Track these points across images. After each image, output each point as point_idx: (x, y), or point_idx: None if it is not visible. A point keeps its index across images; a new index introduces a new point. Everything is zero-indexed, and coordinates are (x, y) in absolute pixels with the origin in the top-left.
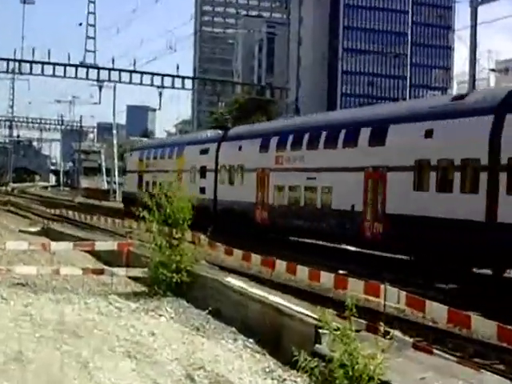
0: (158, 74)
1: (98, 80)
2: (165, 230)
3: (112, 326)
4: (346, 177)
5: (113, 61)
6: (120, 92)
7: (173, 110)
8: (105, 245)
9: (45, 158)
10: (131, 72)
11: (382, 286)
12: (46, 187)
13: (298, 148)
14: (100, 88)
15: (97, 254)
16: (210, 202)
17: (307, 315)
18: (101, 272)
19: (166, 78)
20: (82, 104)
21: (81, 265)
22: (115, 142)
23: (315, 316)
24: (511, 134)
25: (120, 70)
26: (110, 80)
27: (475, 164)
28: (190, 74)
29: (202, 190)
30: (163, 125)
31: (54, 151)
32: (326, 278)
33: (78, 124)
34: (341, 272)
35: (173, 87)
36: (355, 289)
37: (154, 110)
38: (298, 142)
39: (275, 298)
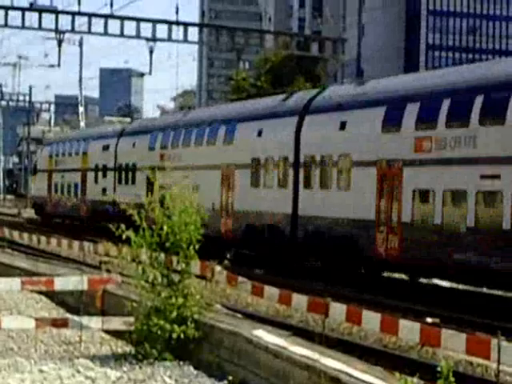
0: (147, 20)
1: (56, 30)
2: (161, 258)
3: None
4: (208, 175)
5: (79, 1)
6: (90, 51)
7: (170, 76)
8: (69, 282)
9: None
10: (107, 17)
11: (494, 341)
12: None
13: (176, 146)
14: (59, 43)
15: (57, 297)
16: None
17: None
18: (64, 324)
19: (159, 27)
20: (31, 68)
21: (33, 313)
22: (82, 124)
23: None
24: (308, 134)
25: (90, 15)
26: (73, 30)
27: (285, 161)
28: (196, 20)
29: (104, 191)
30: (155, 98)
31: None
32: (407, 331)
33: (27, 98)
34: (430, 320)
35: (169, 39)
36: (452, 346)
37: (142, 76)
38: (175, 140)
39: (330, 362)
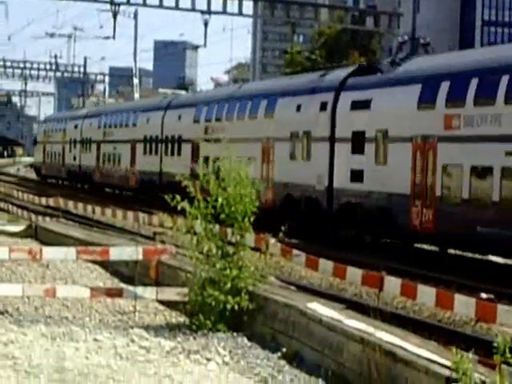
0: None
1: (111, 2)
2: (215, 229)
3: (136, 375)
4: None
5: None
6: (145, 23)
7: (225, 49)
8: (124, 252)
9: (31, 122)
10: None
11: None
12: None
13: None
14: (115, 15)
15: (111, 267)
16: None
17: (434, 361)
18: (118, 294)
19: (213, 0)
20: (86, 39)
21: (88, 283)
22: (137, 95)
23: (446, 363)
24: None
25: None
26: (129, 2)
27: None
28: None
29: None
30: (209, 71)
31: (45, 110)
32: (462, 306)
33: (81, 70)
34: (484, 296)
35: (224, 12)
36: (508, 322)
37: (196, 49)
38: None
39: (385, 336)
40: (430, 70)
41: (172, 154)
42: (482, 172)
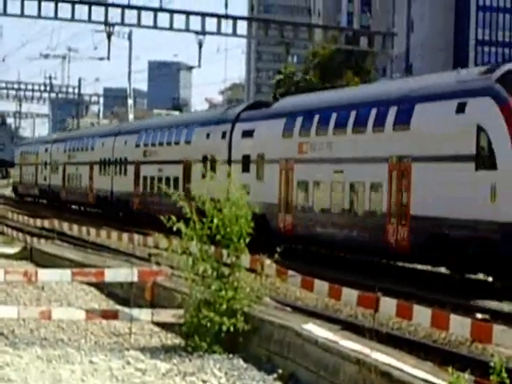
0: (196, 14)
1: (106, 23)
2: (211, 251)
3: None
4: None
5: None
6: (139, 45)
7: (219, 69)
8: (119, 274)
9: None
10: (156, 10)
11: None
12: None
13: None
14: (109, 36)
15: (107, 289)
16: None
17: (430, 382)
18: (114, 316)
19: (208, 20)
20: (80, 60)
21: (83, 305)
22: (131, 117)
23: (442, 383)
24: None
25: (139, 8)
26: (123, 23)
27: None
28: (245, 14)
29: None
30: (204, 91)
31: (39, 132)
32: (458, 326)
33: (76, 91)
34: (479, 316)
35: (219, 33)
36: (504, 342)
37: (190, 69)
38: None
39: (380, 356)
40: (292, 107)
41: (120, 174)
42: (319, 185)
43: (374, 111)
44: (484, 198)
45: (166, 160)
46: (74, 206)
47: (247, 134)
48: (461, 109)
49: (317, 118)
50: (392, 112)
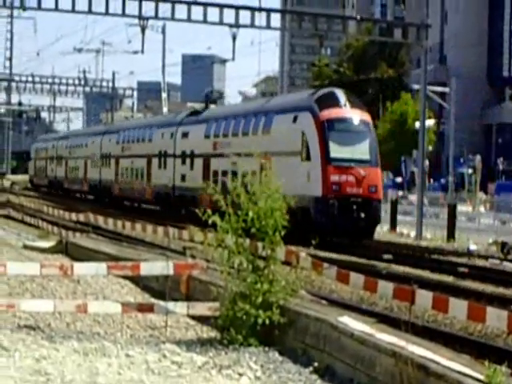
0: (230, 7)
1: (139, 17)
2: (246, 243)
3: None
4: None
5: None
6: (173, 37)
7: (252, 62)
8: (154, 267)
9: None
10: (190, 3)
11: None
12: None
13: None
14: (143, 29)
15: (142, 282)
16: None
17: (467, 375)
18: (149, 309)
19: (242, 13)
20: (114, 54)
21: (119, 298)
22: (165, 110)
23: (479, 376)
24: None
25: (173, 1)
26: (157, 16)
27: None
28: (279, 6)
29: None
30: (237, 84)
31: (73, 125)
32: (494, 318)
33: (110, 84)
34: None
35: (252, 26)
36: None
37: (224, 62)
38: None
39: (416, 349)
40: (211, 115)
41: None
42: (224, 173)
43: (253, 120)
44: (304, 180)
45: (139, 154)
46: (78, 195)
47: (185, 135)
48: (295, 120)
49: (223, 124)
50: (262, 121)
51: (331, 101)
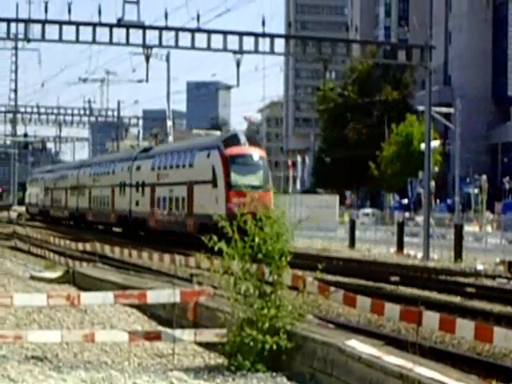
0: (233, 33)
1: (144, 46)
2: (253, 269)
3: None
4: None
5: (166, 16)
6: (177, 66)
7: (257, 88)
8: (161, 295)
9: None
10: (194, 31)
11: None
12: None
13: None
14: (147, 58)
15: (149, 310)
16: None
17: None
18: (156, 337)
19: (245, 39)
20: (119, 83)
21: (126, 327)
22: (171, 138)
23: None
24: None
25: (177, 29)
26: (161, 45)
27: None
28: (282, 31)
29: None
30: (242, 110)
31: (80, 155)
32: (502, 338)
33: (115, 114)
34: None
35: (256, 51)
36: None
37: (229, 88)
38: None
39: (424, 371)
40: (156, 152)
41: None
42: (164, 198)
43: (182, 156)
44: (214, 202)
45: (105, 184)
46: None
47: (138, 168)
48: (208, 156)
49: (163, 159)
50: (188, 157)
51: (234, 141)
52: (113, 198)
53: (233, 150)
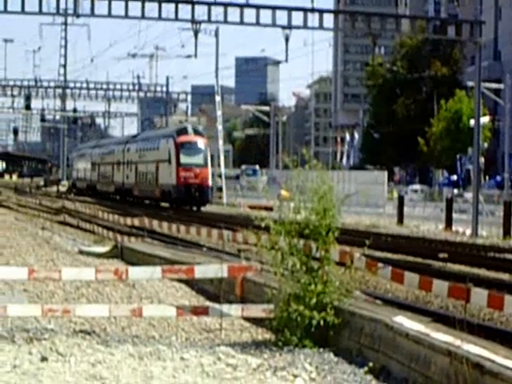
0: (282, 8)
1: (192, 21)
2: (300, 245)
3: None
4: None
5: None
6: (225, 41)
7: (306, 63)
8: (209, 270)
9: None
10: (243, 6)
11: None
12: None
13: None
14: (196, 33)
15: (197, 285)
16: None
17: None
18: (204, 312)
19: (294, 14)
20: (168, 59)
21: (173, 301)
22: (219, 113)
23: None
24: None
25: (226, 5)
26: (210, 20)
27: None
28: (331, 6)
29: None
30: (291, 85)
31: (128, 131)
32: None
33: (164, 89)
34: None
35: (305, 27)
36: None
37: (278, 64)
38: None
39: (472, 348)
40: (140, 137)
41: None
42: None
43: (154, 141)
44: (169, 175)
45: (108, 162)
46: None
47: (128, 150)
48: (167, 142)
49: (143, 143)
50: (156, 142)
51: (184, 131)
52: (112, 173)
53: (182, 138)
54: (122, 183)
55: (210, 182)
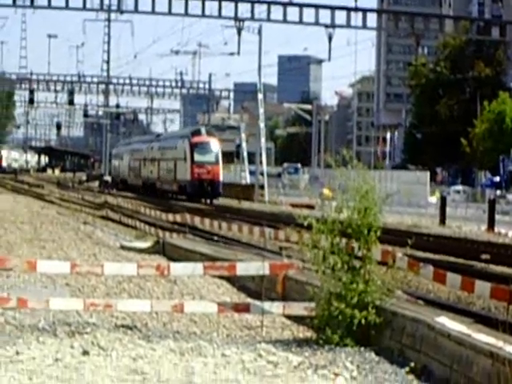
0: (325, 7)
1: (236, 18)
2: (341, 243)
3: None
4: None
5: None
6: (268, 39)
7: (349, 62)
8: (250, 267)
9: None
10: (286, 5)
11: None
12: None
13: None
14: (239, 31)
15: (238, 282)
16: None
17: None
18: (245, 309)
19: (338, 13)
20: (211, 56)
21: (215, 298)
22: (262, 111)
23: None
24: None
25: (269, 3)
26: (253, 18)
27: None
28: (375, 6)
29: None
30: (333, 84)
31: (171, 127)
32: None
33: (206, 86)
34: None
35: (348, 26)
36: None
37: (320, 63)
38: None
39: None
40: (162, 137)
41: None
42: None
43: (173, 141)
44: (185, 171)
45: (137, 158)
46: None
47: (152, 148)
48: (183, 142)
49: (164, 142)
50: (175, 141)
51: (198, 132)
52: (140, 168)
53: (196, 139)
54: (147, 178)
55: (221, 178)
